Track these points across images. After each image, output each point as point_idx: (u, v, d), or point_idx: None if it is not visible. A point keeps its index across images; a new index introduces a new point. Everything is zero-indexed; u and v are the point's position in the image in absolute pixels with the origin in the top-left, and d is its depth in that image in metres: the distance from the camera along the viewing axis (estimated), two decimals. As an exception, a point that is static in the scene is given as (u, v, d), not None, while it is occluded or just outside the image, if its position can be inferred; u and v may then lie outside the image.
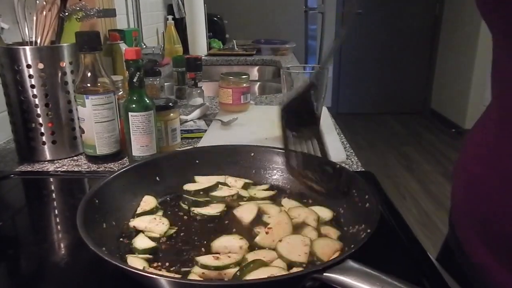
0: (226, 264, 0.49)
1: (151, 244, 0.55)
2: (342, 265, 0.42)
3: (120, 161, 0.90)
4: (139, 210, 0.62)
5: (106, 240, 0.53)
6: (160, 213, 0.63)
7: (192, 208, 0.63)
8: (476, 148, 0.59)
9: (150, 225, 0.58)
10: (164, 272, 0.50)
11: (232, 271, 0.49)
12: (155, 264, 0.52)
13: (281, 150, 0.73)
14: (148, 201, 0.64)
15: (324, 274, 0.42)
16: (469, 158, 0.60)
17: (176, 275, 0.49)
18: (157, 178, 0.69)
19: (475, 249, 0.58)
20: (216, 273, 0.49)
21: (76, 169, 0.88)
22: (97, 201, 0.57)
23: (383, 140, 4.24)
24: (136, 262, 0.51)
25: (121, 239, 0.57)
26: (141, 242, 0.55)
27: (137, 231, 0.59)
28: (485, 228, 0.55)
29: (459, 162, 0.63)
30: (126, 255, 0.53)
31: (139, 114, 0.81)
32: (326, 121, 1.16)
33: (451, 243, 0.67)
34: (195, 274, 0.49)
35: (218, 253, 0.52)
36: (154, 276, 0.43)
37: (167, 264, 0.52)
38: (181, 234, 0.59)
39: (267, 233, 0.55)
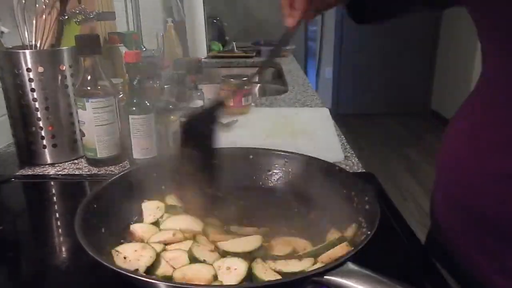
0: None
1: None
2: (343, 268, 0.42)
3: (121, 164, 0.90)
4: (148, 218, 0.62)
5: (105, 244, 0.53)
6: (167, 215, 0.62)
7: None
8: (459, 135, 0.59)
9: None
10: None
11: None
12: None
13: (280, 152, 0.73)
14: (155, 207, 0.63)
15: (325, 277, 0.41)
16: (453, 143, 0.61)
17: (177, 282, 0.48)
18: (157, 181, 0.69)
19: (457, 239, 0.58)
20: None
21: (76, 173, 0.88)
22: (95, 205, 0.56)
23: (383, 141, 4.23)
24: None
25: (121, 242, 0.57)
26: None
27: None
28: (467, 214, 0.55)
29: (442, 150, 0.64)
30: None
31: (140, 117, 0.81)
32: (326, 122, 1.16)
33: (434, 234, 0.67)
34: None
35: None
36: (153, 281, 0.43)
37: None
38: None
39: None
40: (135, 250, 0.52)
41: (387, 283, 0.40)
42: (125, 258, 0.50)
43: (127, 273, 0.43)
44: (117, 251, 0.51)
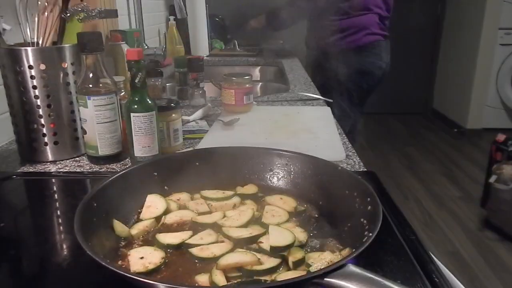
0: None
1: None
2: (343, 270, 0.42)
3: (122, 162, 0.90)
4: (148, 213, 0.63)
5: (105, 243, 0.53)
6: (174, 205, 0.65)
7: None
8: None
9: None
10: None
11: None
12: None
13: (282, 152, 0.73)
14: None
15: (325, 279, 0.41)
16: None
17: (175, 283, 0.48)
18: (158, 179, 0.69)
19: None
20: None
21: (78, 170, 0.88)
22: (95, 204, 0.56)
23: (385, 140, 4.22)
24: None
25: (121, 243, 0.57)
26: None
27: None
28: None
29: None
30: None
31: (141, 114, 0.81)
32: (328, 121, 1.15)
33: None
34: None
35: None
36: (151, 282, 0.42)
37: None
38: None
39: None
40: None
41: (388, 286, 0.39)
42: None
43: (125, 273, 0.43)
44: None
